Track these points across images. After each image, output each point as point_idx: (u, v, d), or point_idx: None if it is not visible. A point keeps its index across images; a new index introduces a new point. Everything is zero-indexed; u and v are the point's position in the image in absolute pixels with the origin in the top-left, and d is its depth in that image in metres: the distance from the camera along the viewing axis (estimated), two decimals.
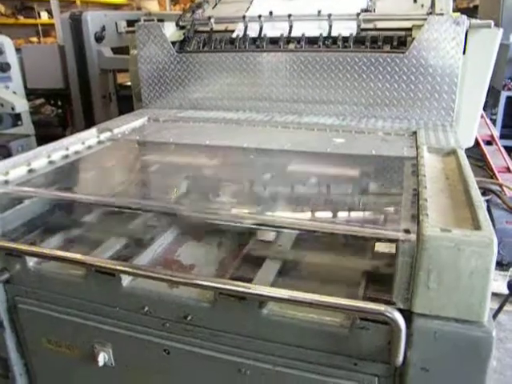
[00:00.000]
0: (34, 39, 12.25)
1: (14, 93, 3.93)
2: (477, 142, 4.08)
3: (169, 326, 1.48)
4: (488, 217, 1.24)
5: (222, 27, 2.85)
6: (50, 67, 4.82)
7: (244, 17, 2.71)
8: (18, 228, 1.76)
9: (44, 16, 12.99)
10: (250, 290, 1.26)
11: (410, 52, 2.26)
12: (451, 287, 1.14)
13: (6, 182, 1.78)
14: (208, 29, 2.82)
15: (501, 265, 3.09)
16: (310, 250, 1.49)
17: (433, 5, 2.46)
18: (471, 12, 8.50)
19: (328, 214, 1.47)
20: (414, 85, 2.29)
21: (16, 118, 4.02)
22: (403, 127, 2.19)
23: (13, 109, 3.60)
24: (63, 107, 5.50)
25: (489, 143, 4.10)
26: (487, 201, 3.20)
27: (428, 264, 1.13)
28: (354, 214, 1.40)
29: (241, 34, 2.68)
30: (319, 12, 2.61)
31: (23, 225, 1.79)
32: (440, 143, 1.91)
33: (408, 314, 1.16)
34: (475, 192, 1.41)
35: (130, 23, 4.70)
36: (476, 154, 4.79)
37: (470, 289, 1.13)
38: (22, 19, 12.79)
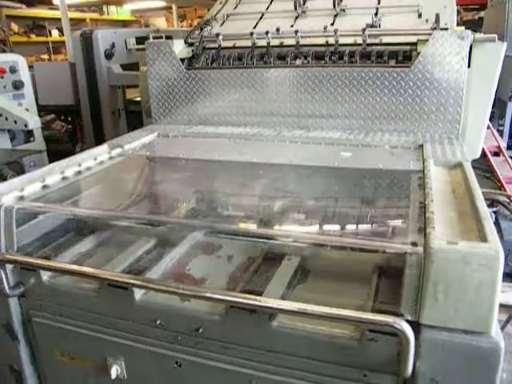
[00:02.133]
0: (45, 56, 12.48)
1: (27, 109, 4.01)
2: (484, 153, 4.09)
3: (180, 338, 1.50)
4: (494, 229, 1.26)
5: (230, 44, 2.90)
6: (61, 84, 4.92)
7: (252, 33, 2.77)
8: (33, 243, 1.80)
9: (55, 34, 13.27)
10: (259, 303, 1.29)
11: (415, 66, 2.30)
12: (458, 299, 1.15)
13: (22, 198, 1.82)
14: (216, 45, 2.88)
15: (509, 276, 3.08)
16: (320, 261, 1.52)
17: (437, 20, 2.50)
18: (476, 24, 8.56)
19: (336, 227, 1.50)
20: (419, 98, 2.32)
21: (28, 135, 4.11)
22: (410, 140, 2.22)
23: (25, 125, 3.67)
24: (73, 123, 5.59)
25: (496, 154, 4.10)
26: (495, 212, 3.20)
27: (435, 276, 1.15)
28: (362, 227, 1.42)
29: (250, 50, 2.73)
30: (325, 28, 2.66)
31: (38, 239, 1.84)
32: (446, 156, 1.94)
33: (416, 326, 1.18)
34: (481, 204, 1.43)
35: (139, 40, 4.81)
36: (483, 165, 4.80)
37: (478, 301, 1.15)
38: (33, 37, 13.06)
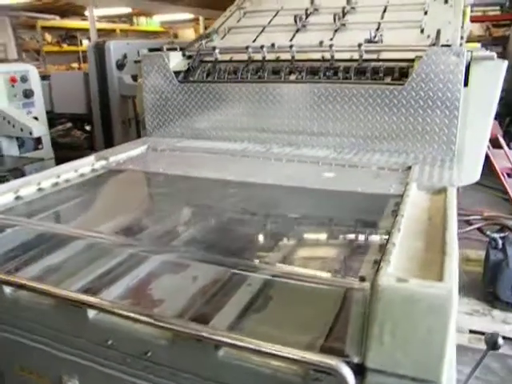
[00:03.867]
0: (75, 65, 12.85)
1: (36, 118, 4.07)
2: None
3: (130, 361, 1.45)
4: (455, 265, 1.15)
5: (227, 57, 2.86)
6: (76, 93, 5.00)
7: (247, 47, 2.72)
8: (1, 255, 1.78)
9: (85, 43, 13.66)
10: (201, 333, 1.22)
11: (408, 84, 2.20)
12: (406, 342, 1.05)
13: None
14: (213, 59, 2.84)
15: None
16: (283, 289, 1.43)
17: (438, 36, 2.39)
18: (506, 40, 8.29)
19: (287, 255, 1.41)
20: (413, 118, 2.22)
21: (37, 142, 4.16)
22: (399, 162, 2.11)
23: (31, 133, 3.72)
24: (91, 131, 5.67)
25: (510, 176, 3.91)
26: (503, 238, 3.03)
27: (382, 316, 1.05)
28: (318, 256, 1.33)
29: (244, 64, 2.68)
30: (321, 43, 2.58)
31: (7, 252, 1.81)
32: (432, 180, 1.82)
33: (362, 369, 1.08)
34: (451, 235, 1.32)
35: (152, 51, 4.83)
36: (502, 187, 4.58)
37: (428, 345, 1.04)
38: (65, 47, 13.49)
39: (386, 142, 2.29)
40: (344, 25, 2.81)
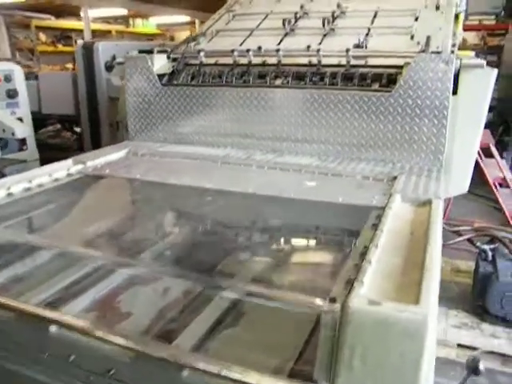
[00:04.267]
0: (69, 65, 12.74)
1: (20, 119, 3.98)
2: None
3: (92, 378, 1.36)
4: (434, 285, 1.08)
5: (212, 61, 2.79)
6: (64, 94, 4.91)
7: (233, 51, 2.64)
8: None
9: None
10: (163, 355, 1.14)
11: (395, 91, 2.13)
12: (378, 368, 0.98)
13: None
14: (198, 62, 2.77)
15: (505, 321, 2.82)
16: (255, 306, 1.35)
17: (427, 42, 2.32)
18: (501, 50, 8.26)
19: (258, 272, 1.33)
20: (400, 126, 2.15)
21: (21, 143, 4.07)
22: (385, 171, 2.04)
23: (13, 134, 3.64)
24: (80, 133, 5.58)
25: (501, 185, 3.85)
26: (493, 249, 2.96)
27: (352, 340, 0.98)
28: (288, 274, 1.24)
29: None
30: (308, 47, 2.51)
31: None
32: (417, 191, 1.75)
33: None
34: (432, 252, 1.25)
35: (142, 53, 4.75)
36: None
37: (400, 372, 0.97)
38: (60, 47, 13.40)
39: (372, 150, 2.22)
40: (333, 29, 2.74)
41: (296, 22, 2.98)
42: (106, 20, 13.79)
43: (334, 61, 2.47)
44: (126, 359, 1.28)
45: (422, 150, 2.13)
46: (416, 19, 2.71)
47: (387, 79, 2.29)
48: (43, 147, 5.98)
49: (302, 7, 3.07)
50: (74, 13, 12.44)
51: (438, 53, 2.21)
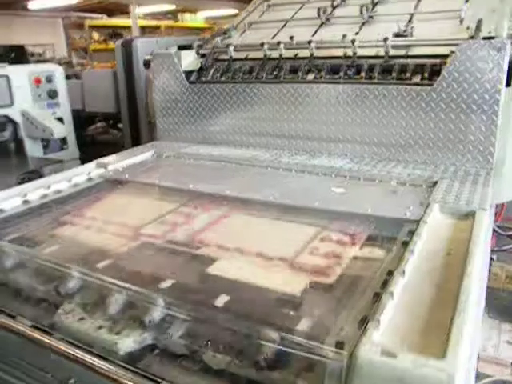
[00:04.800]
0: None
1: (61, 118, 4.02)
2: None
3: None
4: (467, 331, 0.88)
5: (243, 55, 2.64)
6: (105, 92, 4.93)
7: (262, 44, 2.48)
8: None
9: None
10: None
11: (438, 85, 1.89)
12: None
13: None
14: (227, 57, 2.63)
15: None
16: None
17: (478, 27, 2.05)
18: None
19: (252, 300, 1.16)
20: (443, 124, 1.90)
21: (62, 143, 4.12)
22: (424, 176, 1.81)
23: (51, 134, 3.67)
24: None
25: None
26: None
27: None
28: (291, 308, 1.07)
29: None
30: (343, 37, 2.30)
31: None
32: (459, 200, 1.52)
33: None
34: (470, 282, 1.04)
35: (181, 48, 4.68)
36: None
37: None
38: (111, 44, 13.74)
39: (411, 151, 1.99)
40: (372, 17, 2.50)
41: (333, 10, 2.76)
42: (155, 16, 13.98)
43: (372, 52, 2.25)
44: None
45: (468, 150, 1.88)
46: (467, 0, 2.42)
47: (430, 71, 2.04)
48: (93, 144, 6.12)
49: None
50: (124, 11, 12.68)
51: (490, 38, 1.94)
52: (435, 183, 1.71)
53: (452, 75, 1.85)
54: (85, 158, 4.19)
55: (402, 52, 2.19)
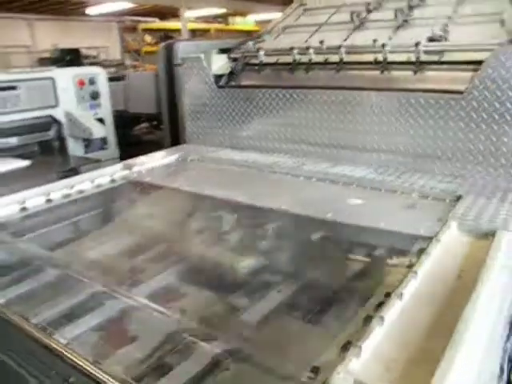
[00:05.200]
0: None
1: (101, 119, 4.15)
2: None
3: None
4: (457, 366, 0.80)
5: (273, 60, 2.60)
6: (147, 93, 5.05)
7: (292, 48, 2.44)
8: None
9: None
10: None
11: (468, 93, 1.77)
12: None
13: None
14: (257, 61, 2.60)
15: None
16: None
17: None
18: None
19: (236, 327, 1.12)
20: (473, 134, 1.79)
21: (103, 143, 4.25)
22: (449, 189, 1.70)
23: (91, 134, 3.79)
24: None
25: None
26: None
27: None
28: (272, 331, 1.02)
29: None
30: (374, 41, 2.22)
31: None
32: (481, 218, 1.42)
33: None
34: (475, 308, 0.95)
35: (222, 52, 4.71)
36: None
37: None
38: None
39: (439, 162, 1.89)
40: (407, 21, 2.40)
41: (368, 14, 2.67)
42: (206, 19, 14.21)
43: (403, 57, 2.15)
44: None
45: (500, 164, 1.75)
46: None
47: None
48: (138, 143, 6.29)
49: None
50: (176, 14, 12.99)
51: None
52: (459, 198, 1.61)
53: (484, 83, 1.73)
54: (127, 158, 4.33)
55: (435, 58, 2.08)
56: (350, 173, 1.97)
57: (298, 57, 2.44)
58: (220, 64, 2.71)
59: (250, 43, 2.76)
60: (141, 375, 1.15)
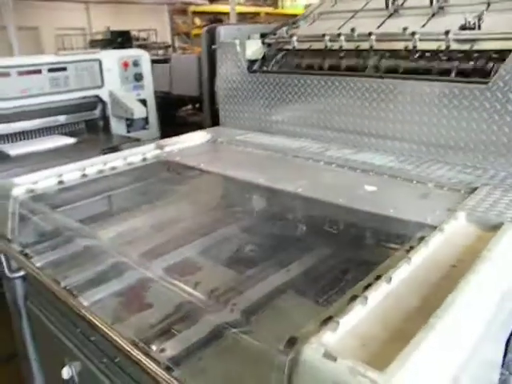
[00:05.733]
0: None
1: (144, 100, 4.30)
2: None
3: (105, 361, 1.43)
4: (426, 346, 0.84)
5: (306, 46, 2.63)
6: (190, 76, 5.17)
7: (323, 35, 2.46)
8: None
9: None
10: None
11: (493, 83, 1.74)
12: None
13: (32, 191, 1.92)
14: (290, 47, 2.64)
15: None
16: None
17: None
18: None
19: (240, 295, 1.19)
20: (497, 126, 1.76)
21: (145, 123, 4.43)
22: (467, 180, 1.70)
23: (132, 114, 3.95)
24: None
25: None
26: None
27: None
28: (269, 301, 1.09)
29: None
30: (404, 29, 2.20)
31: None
32: (492, 210, 1.42)
33: None
34: (457, 295, 0.99)
35: (264, 36, 4.73)
36: None
37: None
38: None
39: (461, 153, 1.87)
40: (442, 8, 2.35)
41: (405, 0, 2.63)
42: (255, 2, 14.16)
43: (434, 46, 2.13)
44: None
45: None
46: None
47: (493, 68, 1.89)
48: (184, 125, 6.46)
49: None
50: None
51: None
52: (475, 189, 1.60)
53: (510, 73, 1.70)
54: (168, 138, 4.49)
55: (467, 46, 2.04)
56: (370, 160, 1.99)
57: (329, 44, 2.46)
58: (254, 49, 2.77)
59: (285, 29, 2.79)
60: (149, 337, 1.26)
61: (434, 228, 1.34)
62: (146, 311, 1.43)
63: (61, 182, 2.01)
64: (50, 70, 3.74)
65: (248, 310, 1.11)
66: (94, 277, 1.56)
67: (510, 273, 1.23)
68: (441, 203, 1.53)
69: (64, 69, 3.81)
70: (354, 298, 1.01)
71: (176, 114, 6.67)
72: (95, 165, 2.13)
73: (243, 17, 13.40)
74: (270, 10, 14.44)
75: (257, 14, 14.16)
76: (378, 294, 1.01)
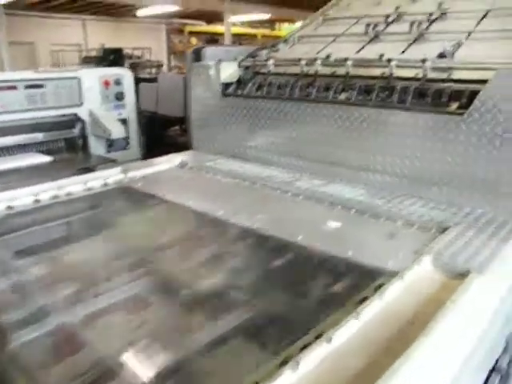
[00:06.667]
0: None
1: (124, 119, 4.20)
2: None
3: None
4: None
5: (282, 70, 2.54)
6: (175, 96, 5.09)
7: (299, 59, 2.36)
8: None
9: None
10: None
11: (469, 115, 1.64)
12: None
13: None
14: (266, 71, 2.55)
15: None
16: None
17: None
18: None
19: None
20: (473, 160, 1.65)
21: (126, 143, 4.31)
22: (438, 218, 1.58)
23: (109, 135, 3.84)
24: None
25: None
26: None
27: None
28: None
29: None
30: (381, 56, 2.11)
31: None
32: (459, 255, 1.29)
33: None
34: (403, 362, 0.85)
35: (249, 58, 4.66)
36: None
37: None
38: None
39: (436, 187, 1.76)
40: (423, 35, 2.27)
41: (387, 26, 2.56)
42: (252, 24, 14.28)
43: (411, 73, 2.03)
44: None
45: (501, 193, 1.61)
46: None
47: (470, 98, 1.79)
48: (172, 144, 6.36)
49: (396, 9, 2.64)
50: (222, 19, 13.15)
51: None
52: (446, 229, 1.48)
53: (485, 105, 1.59)
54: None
55: (444, 75, 1.95)
56: (339, 193, 1.87)
57: (305, 68, 2.37)
58: (230, 72, 2.67)
59: (264, 52, 2.71)
60: None
61: (394, 274, 1.21)
62: (60, 365, 1.28)
63: (9, 208, 1.88)
64: (27, 87, 3.65)
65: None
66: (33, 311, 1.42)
67: (480, 324, 1.10)
68: (407, 244, 1.40)
69: (41, 86, 3.72)
70: (284, 362, 0.88)
71: (165, 133, 6.59)
72: (50, 190, 2.00)
73: (239, 38, 13.50)
74: (266, 31, 14.57)
75: (254, 35, 14.27)
76: (314, 357, 0.88)
